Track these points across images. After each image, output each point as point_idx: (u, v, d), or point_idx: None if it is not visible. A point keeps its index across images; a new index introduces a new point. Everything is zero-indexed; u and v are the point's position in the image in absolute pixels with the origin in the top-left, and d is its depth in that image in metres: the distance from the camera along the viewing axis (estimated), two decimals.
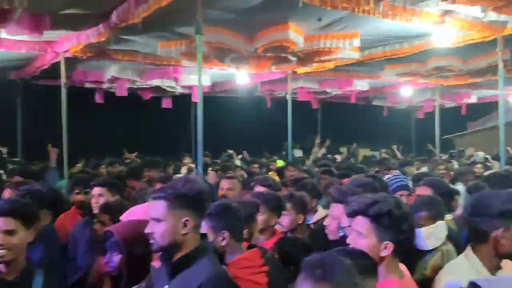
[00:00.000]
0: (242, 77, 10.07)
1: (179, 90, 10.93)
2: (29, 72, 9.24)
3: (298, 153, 12.82)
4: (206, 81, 9.92)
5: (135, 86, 10.20)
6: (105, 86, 10.19)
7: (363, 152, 14.99)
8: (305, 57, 7.97)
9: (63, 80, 7.74)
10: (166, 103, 11.80)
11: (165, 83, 10.29)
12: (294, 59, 7.98)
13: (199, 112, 5.60)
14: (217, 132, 9.90)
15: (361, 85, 11.33)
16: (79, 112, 8.64)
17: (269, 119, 13.93)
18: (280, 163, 9.84)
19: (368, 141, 16.50)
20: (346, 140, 14.75)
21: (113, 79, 9.42)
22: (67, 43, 7.24)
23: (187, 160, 10.68)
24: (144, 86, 10.35)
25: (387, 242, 1.97)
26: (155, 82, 10.08)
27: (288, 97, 9.85)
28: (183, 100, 12.01)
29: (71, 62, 8.39)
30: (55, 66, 8.18)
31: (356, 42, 6.94)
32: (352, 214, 2.10)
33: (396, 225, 1.98)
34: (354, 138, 14.55)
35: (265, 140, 13.78)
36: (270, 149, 13.08)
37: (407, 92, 12.42)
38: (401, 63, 9.28)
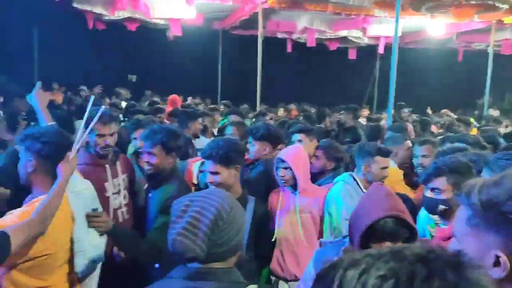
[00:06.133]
0: (436, 27, 9.35)
1: (365, 41, 10.75)
2: (229, 22, 10.15)
3: (494, 113, 11.53)
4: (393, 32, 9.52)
5: (323, 37, 10.36)
6: (294, 36, 10.60)
7: None
8: None
9: (260, 30, 8.31)
10: (352, 54, 11.72)
11: (352, 33, 10.21)
12: (504, 6, 7.07)
13: (393, 63, 5.49)
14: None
15: None
16: (271, 61, 9.21)
17: (462, 74, 12.72)
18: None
19: None
20: None
21: (304, 30, 9.72)
22: None
23: (365, 112, 10.60)
24: (332, 37, 10.44)
25: None
26: (343, 32, 10.09)
27: (490, 50, 8.84)
28: (368, 52, 11.77)
29: (267, 13, 8.91)
30: (253, 17, 8.82)
31: None
32: None
33: None
34: None
35: (455, 96, 12.68)
36: (461, 107, 12.01)
37: None
38: None
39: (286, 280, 3.04)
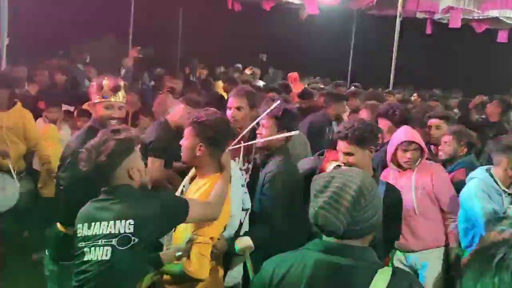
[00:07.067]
0: None
1: None
2: (366, 2, 9.78)
3: None
4: None
5: (470, 17, 9.46)
6: (436, 16, 9.85)
7: None
8: None
9: (399, 9, 7.87)
10: (502, 37, 10.49)
11: (505, 13, 9.16)
12: None
13: None
14: None
15: None
16: (408, 43, 8.69)
17: None
18: None
19: None
20: None
21: (447, 9, 8.98)
22: None
23: None
24: (480, 18, 9.48)
25: None
26: (493, 12, 9.10)
27: None
28: None
29: None
30: None
31: None
32: None
33: None
34: None
35: None
36: None
37: None
38: None
39: (402, 251, 3.17)
